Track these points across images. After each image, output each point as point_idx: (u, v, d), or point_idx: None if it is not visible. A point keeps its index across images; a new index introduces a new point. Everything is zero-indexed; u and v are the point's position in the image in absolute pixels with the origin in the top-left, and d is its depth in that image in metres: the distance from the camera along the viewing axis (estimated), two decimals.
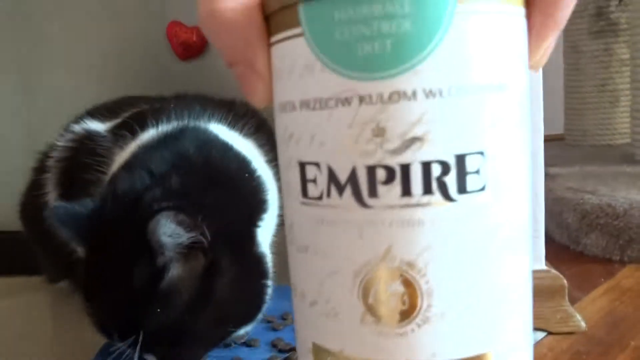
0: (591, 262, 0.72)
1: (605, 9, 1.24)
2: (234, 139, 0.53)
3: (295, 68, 0.19)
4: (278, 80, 0.21)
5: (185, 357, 0.43)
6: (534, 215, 0.53)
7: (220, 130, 0.53)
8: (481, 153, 0.19)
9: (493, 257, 0.20)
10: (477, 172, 0.19)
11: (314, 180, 0.20)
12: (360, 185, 0.19)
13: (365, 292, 0.19)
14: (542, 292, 0.52)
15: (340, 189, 0.19)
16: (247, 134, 0.58)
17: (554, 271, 0.54)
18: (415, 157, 0.18)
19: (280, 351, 0.48)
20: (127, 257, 0.41)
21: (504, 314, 0.20)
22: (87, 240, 0.44)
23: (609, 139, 1.31)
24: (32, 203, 0.61)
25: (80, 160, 0.55)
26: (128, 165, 0.47)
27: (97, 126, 0.57)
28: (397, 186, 0.19)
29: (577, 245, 0.76)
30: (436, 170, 0.18)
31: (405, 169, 0.18)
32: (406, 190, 0.19)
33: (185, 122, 0.52)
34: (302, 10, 0.19)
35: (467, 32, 0.18)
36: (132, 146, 0.50)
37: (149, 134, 0.50)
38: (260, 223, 0.50)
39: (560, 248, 0.78)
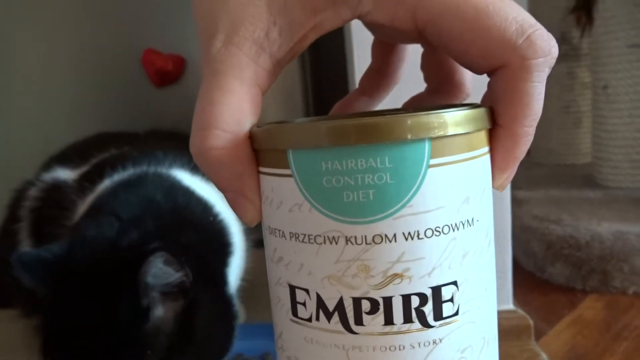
0: (556, 291, 0.76)
1: (568, 34, 1.30)
2: (196, 184, 0.54)
3: (285, 203, 0.21)
4: (268, 207, 0.22)
5: None
6: (501, 255, 0.56)
7: (182, 176, 0.54)
8: (454, 283, 0.21)
9: None
10: (451, 299, 0.21)
11: (304, 304, 0.21)
12: (347, 314, 0.21)
13: None
14: (509, 332, 0.55)
15: (329, 315, 0.21)
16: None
17: (520, 311, 0.57)
18: (396, 291, 0.20)
19: None
20: (105, 301, 0.41)
21: None
22: (53, 287, 0.43)
23: (573, 158, 1.37)
24: (7, 246, 0.61)
25: (47, 212, 0.56)
26: (92, 212, 0.47)
27: (66, 175, 0.57)
28: (380, 316, 0.21)
29: (542, 273, 0.80)
30: (415, 301, 0.21)
31: (388, 301, 0.20)
32: (388, 320, 0.21)
33: (146, 168, 0.53)
34: (291, 156, 0.20)
35: (440, 180, 0.20)
36: (93, 195, 0.50)
37: (109, 182, 0.51)
38: (229, 264, 0.52)
39: (527, 275, 0.81)
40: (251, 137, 0.22)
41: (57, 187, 0.55)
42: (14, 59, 0.91)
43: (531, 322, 0.56)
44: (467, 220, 0.21)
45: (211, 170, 0.22)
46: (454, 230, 0.21)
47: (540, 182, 1.15)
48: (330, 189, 0.20)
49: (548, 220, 0.84)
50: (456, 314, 0.21)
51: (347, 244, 0.20)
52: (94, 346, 0.40)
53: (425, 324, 0.21)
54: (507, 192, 0.58)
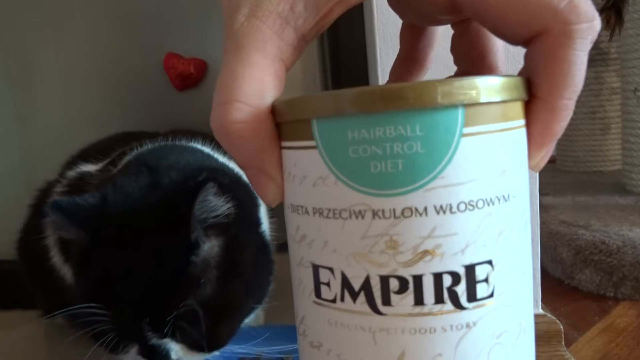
0: (586, 298, 0.73)
1: (596, 38, 1.26)
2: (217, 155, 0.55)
3: (309, 177, 0.20)
4: (290, 183, 0.21)
5: (219, 336, 0.42)
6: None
7: (203, 147, 0.55)
8: (489, 262, 0.20)
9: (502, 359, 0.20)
10: (486, 280, 0.20)
11: (328, 284, 0.20)
12: (374, 294, 0.19)
13: None
14: (538, 337, 0.53)
15: (354, 295, 0.19)
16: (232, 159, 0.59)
17: (550, 315, 0.55)
18: (426, 269, 0.19)
19: None
20: (153, 240, 0.40)
21: None
22: (93, 232, 0.41)
23: (600, 165, 1.33)
24: (31, 244, 0.61)
25: None
26: (119, 172, 0.48)
27: (89, 168, 0.57)
28: (409, 295, 0.19)
29: (571, 280, 0.77)
30: (447, 280, 0.19)
31: (418, 279, 0.19)
32: (419, 300, 0.19)
33: (165, 142, 0.53)
34: (315, 126, 0.19)
35: (474, 151, 0.19)
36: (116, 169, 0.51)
37: (130, 156, 0.51)
38: (260, 207, 0.52)
39: (555, 283, 0.79)
40: (273, 111, 0.21)
41: (81, 178, 0.56)
42: (38, 64, 0.93)
43: (561, 327, 0.54)
44: (503, 196, 0.20)
45: (232, 145, 0.22)
46: (489, 205, 0.19)
47: (566, 188, 1.12)
48: (356, 160, 0.19)
49: (576, 225, 0.81)
50: (491, 295, 0.20)
51: (374, 218, 0.19)
52: (148, 283, 0.39)
53: (458, 306, 0.19)
54: (534, 195, 0.56)
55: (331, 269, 0.20)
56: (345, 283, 0.19)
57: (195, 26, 0.89)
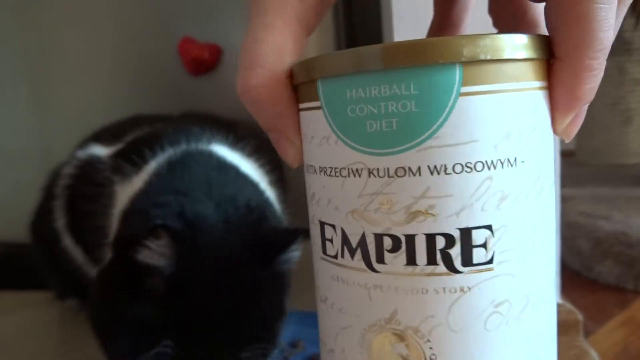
0: (604, 290, 0.71)
1: (620, 27, 1.24)
2: (237, 159, 0.54)
3: (316, 137, 0.21)
4: (305, 144, 0.22)
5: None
6: None
7: (223, 152, 0.54)
8: (488, 227, 0.19)
9: (500, 331, 0.20)
10: (484, 245, 0.19)
11: (331, 240, 0.21)
12: (370, 251, 0.19)
13: (372, 349, 0.20)
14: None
15: (352, 252, 0.20)
16: (249, 154, 0.58)
17: (568, 305, 0.53)
18: (419, 229, 0.19)
19: None
20: (239, 280, 0.39)
21: None
22: (186, 264, 0.37)
23: (621, 158, 1.30)
24: (43, 225, 0.61)
25: (81, 189, 0.55)
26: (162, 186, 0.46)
27: (99, 151, 0.57)
28: (402, 255, 0.19)
29: (590, 272, 0.75)
30: (440, 242, 0.19)
31: (410, 239, 0.19)
32: (411, 260, 0.19)
33: (186, 147, 0.52)
34: (320, 86, 0.20)
35: (472, 112, 0.18)
36: (139, 178, 0.49)
37: (155, 165, 0.50)
38: None
39: (573, 274, 0.77)
40: (290, 74, 0.22)
41: (90, 164, 0.55)
42: (52, 48, 0.93)
43: (580, 317, 0.53)
44: (508, 160, 0.19)
45: (255, 109, 0.22)
46: (489, 168, 0.19)
47: (585, 180, 1.10)
48: (354, 119, 0.19)
49: (596, 216, 0.79)
50: (490, 262, 0.19)
51: (369, 176, 0.19)
52: (229, 322, 0.38)
53: (452, 269, 0.19)
54: (556, 184, 0.55)
55: (333, 226, 0.20)
56: (345, 240, 0.20)
57: (211, 11, 0.88)
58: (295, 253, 0.41)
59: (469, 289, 0.19)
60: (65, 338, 0.67)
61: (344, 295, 0.21)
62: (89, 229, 0.53)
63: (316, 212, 0.22)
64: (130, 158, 0.52)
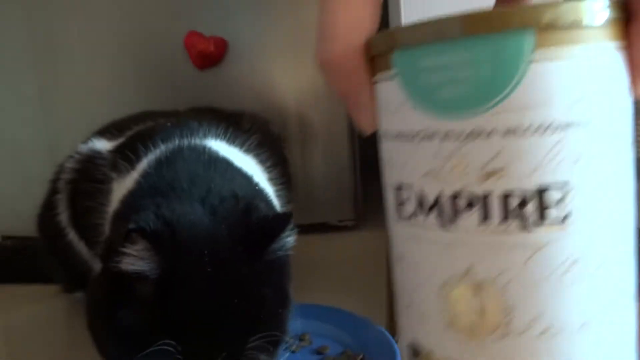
0: None
1: None
2: (233, 154, 0.53)
3: (391, 104, 0.22)
4: (380, 112, 0.24)
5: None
6: None
7: (218, 146, 0.53)
8: (561, 187, 0.20)
9: (575, 286, 0.20)
10: (557, 204, 0.20)
11: (406, 202, 0.22)
12: (444, 210, 0.21)
13: (449, 303, 0.21)
14: None
15: (427, 212, 0.21)
16: (248, 149, 0.57)
17: None
18: (493, 188, 0.20)
19: None
20: (231, 271, 0.38)
21: (583, 341, 0.21)
22: (173, 263, 0.37)
23: None
24: (48, 220, 0.61)
25: (82, 185, 0.55)
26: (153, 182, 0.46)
27: (102, 145, 0.56)
28: (476, 213, 0.20)
29: None
30: (513, 201, 0.20)
31: (484, 198, 0.20)
32: (485, 218, 0.20)
33: (179, 142, 0.51)
34: (395, 56, 0.21)
35: (544, 75, 0.19)
36: (130, 179, 0.48)
37: (146, 163, 0.49)
38: None
39: None
40: (366, 45, 0.23)
41: (91, 159, 0.55)
42: (59, 43, 0.93)
43: None
44: (581, 122, 0.19)
45: (333, 79, 0.24)
46: (562, 130, 0.19)
47: None
48: (428, 86, 0.20)
49: None
50: (563, 221, 0.20)
51: (443, 140, 0.20)
52: (227, 314, 0.37)
53: (525, 227, 0.20)
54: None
55: (409, 188, 0.22)
56: (420, 201, 0.21)
57: (216, 5, 0.88)
58: (289, 239, 0.41)
59: (543, 246, 0.20)
60: (74, 329, 0.67)
61: (421, 253, 0.22)
62: (88, 225, 0.52)
63: (391, 175, 0.23)
64: (125, 155, 0.51)
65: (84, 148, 0.58)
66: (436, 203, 0.21)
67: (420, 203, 0.22)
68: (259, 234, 0.40)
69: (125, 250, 0.35)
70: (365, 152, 1.28)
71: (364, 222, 0.99)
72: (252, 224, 0.40)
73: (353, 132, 0.94)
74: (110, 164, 0.52)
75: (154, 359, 0.35)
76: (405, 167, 0.22)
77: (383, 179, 0.25)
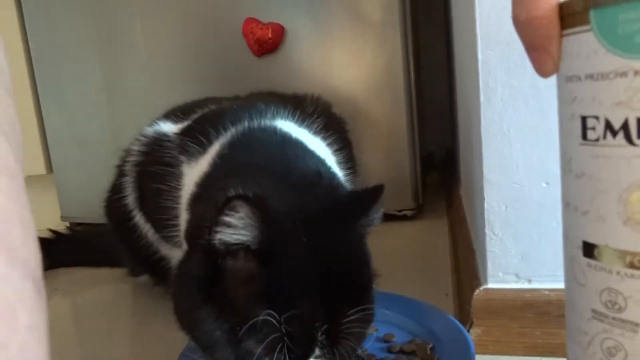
0: None
1: None
2: (304, 136, 0.52)
3: (583, 52, 0.27)
4: (566, 60, 0.29)
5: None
6: None
7: (289, 127, 0.53)
8: None
9: None
10: None
11: (593, 128, 0.28)
12: (631, 131, 0.26)
13: (628, 204, 0.27)
14: None
15: (614, 133, 0.27)
16: (316, 132, 0.56)
17: None
18: None
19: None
20: (329, 243, 0.38)
21: None
22: (274, 234, 0.36)
23: None
24: (115, 203, 0.63)
25: (149, 168, 0.56)
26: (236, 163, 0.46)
27: (167, 127, 0.57)
28: None
29: None
30: None
31: None
32: None
33: (248, 124, 0.51)
34: (592, 14, 0.27)
35: None
36: (205, 160, 0.48)
37: (218, 146, 0.49)
38: None
39: None
40: (560, 5, 0.28)
41: (158, 141, 0.56)
42: (123, 40, 0.95)
43: None
44: None
45: (529, 34, 0.28)
46: None
47: None
48: (623, 35, 0.26)
49: None
50: None
51: (635, 76, 0.26)
52: (327, 286, 0.36)
53: None
54: None
55: (597, 117, 0.27)
56: (608, 125, 0.27)
57: None
58: (378, 214, 0.40)
59: None
60: (139, 311, 0.69)
61: (604, 167, 0.28)
62: (157, 207, 0.53)
63: (577, 109, 0.29)
64: (196, 137, 0.51)
65: (149, 131, 0.59)
66: (623, 126, 0.26)
67: (607, 127, 0.27)
68: (352, 206, 0.40)
69: (226, 219, 0.35)
70: (424, 144, 1.24)
71: (424, 212, 0.97)
72: (343, 197, 0.41)
73: (412, 121, 0.91)
74: (179, 146, 0.53)
75: (256, 331, 0.35)
76: (594, 100, 0.27)
77: (561, 114, 0.30)
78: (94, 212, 0.72)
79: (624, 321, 0.29)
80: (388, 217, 0.92)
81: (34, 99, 1.06)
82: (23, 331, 0.18)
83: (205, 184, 0.45)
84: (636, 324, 0.28)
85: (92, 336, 0.62)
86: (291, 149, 0.48)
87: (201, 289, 0.37)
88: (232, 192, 0.36)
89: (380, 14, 0.86)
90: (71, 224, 1.04)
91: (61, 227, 0.88)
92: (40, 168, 1.07)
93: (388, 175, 0.92)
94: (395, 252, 0.79)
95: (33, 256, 0.21)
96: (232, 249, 0.36)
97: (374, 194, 0.40)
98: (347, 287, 0.37)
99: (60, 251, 0.83)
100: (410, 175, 0.91)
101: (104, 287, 0.77)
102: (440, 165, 1.27)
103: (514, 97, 0.46)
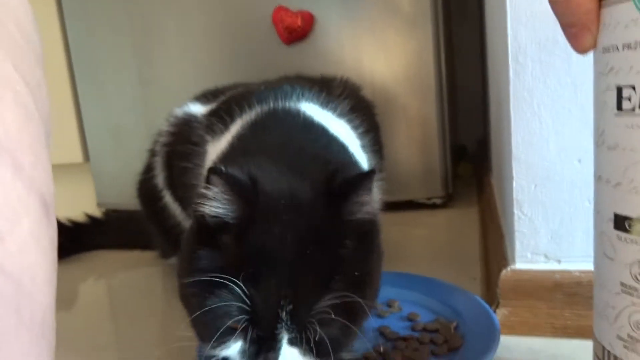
0: None
1: None
2: (327, 119, 0.52)
3: (621, 22, 0.28)
4: (604, 32, 0.29)
5: (338, 341, 0.37)
6: None
7: (312, 110, 0.52)
8: None
9: None
10: None
11: (629, 98, 0.28)
12: None
13: None
14: None
15: None
16: (341, 114, 0.56)
17: None
18: None
19: (387, 339, 0.45)
20: (309, 223, 0.37)
21: None
22: (252, 208, 0.36)
23: None
24: (146, 183, 0.64)
25: (178, 147, 0.56)
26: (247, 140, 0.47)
27: (196, 108, 0.58)
28: None
29: None
30: None
31: None
32: None
33: (273, 104, 0.50)
34: None
35: None
36: (225, 138, 0.49)
37: (240, 123, 0.49)
38: None
39: None
40: None
41: (187, 122, 0.57)
42: (156, 32, 0.98)
43: None
44: None
45: (568, 12, 0.28)
46: None
47: None
48: None
49: None
50: None
51: None
52: (300, 265, 0.36)
53: None
54: None
55: (633, 87, 0.28)
56: None
57: None
58: (365, 198, 0.38)
59: None
60: (169, 292, 0.70)
61: (638, 137, 0.28)
62: (184, 185, 0.54)
63: (612, 80, 0.29)
64: (221, 117, 0.52)
65: (179, 112, 0.60)
66: None
67: None
68: (338, 190, 0.38)
69: (206, 192, 0.35)
70: (456, 135, 1.23)
71: (454, 201, 0.95)
72: (334, 182, 0.39)
73: (443, 111, 0.90)
74: (206, 126, 0.53)
75: (222, 299, 0.35)
76: (631, 70, 0.28)
77: (596, 86, 0.30)
78: (129, 199, 0.74)
79: None
80: (417, 206, 0.91)
81: (72, 91, 1.09)
82: (25, 234, 0.19)
83: (219, 163, 0.46)
84: None
85: (125, 316, 0.64)
86: (308, 133, 0.48)
87: (188, 255, 0.38)
88: (212, 167, 0.36)
89: (411, 4, 0.86)
90: (107, 210, 1.07)
91: (97, 213, 0.90)
92: (77, 156, 1.11)
93: (418, 164, 0.91)
94: (424, 240, 0.78)
95: (43, 181, 0.21)
96: (213, 222, 0.37)
97: (360, 179, 0.38)
98: (323, 270, 0.36)
99: (95, 235, 0.86)
100: (440, 164, 0.90)
101: (136, 270, 0.79)
102: (473, 158, 1.25)
103: (545, 73, 0.45)
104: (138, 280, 0.75)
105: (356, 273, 0.37)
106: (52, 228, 0.22)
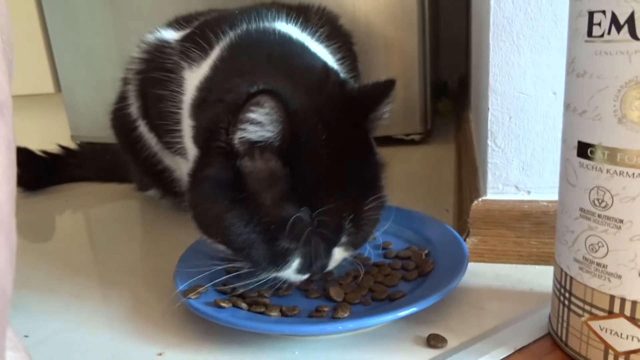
0: None
1: None
2: (306, 40, 0.51)
3: None
4: None
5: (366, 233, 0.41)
6: None
7: (290, 30, 0.51)
8: None
9: None
10: None
11: (599, 24, 0.28)
12: (636, 24, 0.27)
13: (624, 101, 0.28)
14: None
15: (619, 28, 0.27)
16: (319, 39, 0.55)
17: None
18: None
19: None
20: (347, 137, 0.39)
21: None
22: (296, 130, 0.36)
23: None
24: (119, 113, 0.63)
25: (151, 75, 0.54)
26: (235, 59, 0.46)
27: (169, 34, 0.55)
28: None
29: None
30: None
31: None
32: None
33: (247, 26, 0.50)
34: None
35: None
36: (206, 64, 0.48)
37: (219, 49, 0.48)
38: None
39: None
40: None
41: (159, 48, 0.54)
42: None
43: None
44: None
45: None
46: None
47: None
48: None
49: None
50: None
51: None
52: (351, 178, 0.39)
53: None
54: None
55: (604, 11, 0.28)
56: (614, 20, 0.27)
57: None
58: (387, 108, 0.41)
59: None
60: (148, 221, 0.70)
61: (605, 64, 0.28)
62: (159, 113, 0.52)
63: (585, 5, 0.29)
64: (197, 43, 0.50)
65: (150, 38, 0.57)
66: (628, 20, 0.27)
67: (613, 22, 0.27)
68: (362, 100, 0.40)
69: (251, 115, 0.34)
70: (438, 71, 1.22)
71: (432, 137, 0.96)
72: (352, 92, 0.41)
73: (425, 45, 0.88)
74: (180, 52, 0.52)
75: (289, 229, 0.36)
76: None
77: (570, 13, 0.31)
78: (104, 130, 0.72)
79: (608, 218, 0.29)
80: (395, 141, 0.92)
81: (40, 18, 1.04)
82: None
83: (208, 88, 0.45)
84: (620, 221, 0.29)
85: (103, 243, 0.64)
86: (293, 48, 0.47)
87: (227, 193, 0.37)
88: (255, 88, 0.35)
89: None
90: (81, 142, 1.05)
91: (71, 146, 0.89)
92: (48, 87, 1.07)
93: (397, 99, 0.90)
94: (401, 173, 0.79)
95: None
96: (251, 149, 0.36)
97: (385, 88, 0.40)
98: (363, 179, 0.39)
99: (71, 166, 0.85)
100: (419, 100, 0.90)
101: (114, 202, 0.79)
102: (455, 95, 1.25)
103: (527, 1, 0.44)
104: (116, 212, 0.75)
105: (383, 176, 0.42)
106: (7, 127, 0.22)
